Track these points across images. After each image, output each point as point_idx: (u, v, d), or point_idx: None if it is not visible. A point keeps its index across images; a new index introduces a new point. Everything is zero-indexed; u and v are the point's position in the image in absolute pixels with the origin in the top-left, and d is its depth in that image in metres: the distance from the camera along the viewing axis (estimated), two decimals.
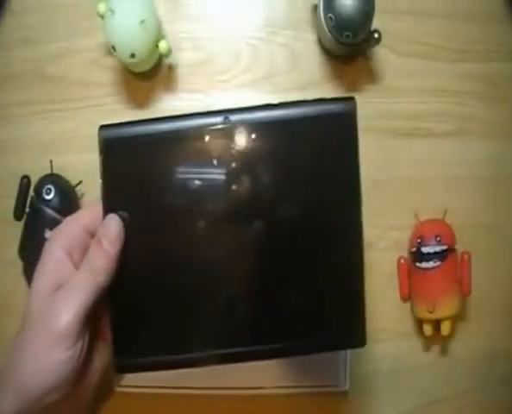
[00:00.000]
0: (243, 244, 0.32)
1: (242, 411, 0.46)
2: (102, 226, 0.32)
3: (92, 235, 0.33)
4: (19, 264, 0.44)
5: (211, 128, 0.31)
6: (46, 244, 0.33)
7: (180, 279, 0.33)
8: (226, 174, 0.32)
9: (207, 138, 0.31)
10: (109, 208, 0.32)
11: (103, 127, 0.32)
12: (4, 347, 0.46)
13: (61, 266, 0.32)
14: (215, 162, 0.32)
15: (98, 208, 0.33)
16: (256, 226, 0.32)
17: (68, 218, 0.34)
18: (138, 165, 0.32)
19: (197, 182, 0.32)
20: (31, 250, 0.44)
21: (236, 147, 0.31)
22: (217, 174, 0.32)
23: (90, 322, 0.32)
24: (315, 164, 0.32)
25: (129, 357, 0.33)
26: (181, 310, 0.33)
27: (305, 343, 0.33)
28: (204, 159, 0.32)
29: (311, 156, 0.32)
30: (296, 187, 0.32)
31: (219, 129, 0.31)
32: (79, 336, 0.31)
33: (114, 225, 0.32)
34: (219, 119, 0.31)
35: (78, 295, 0.31)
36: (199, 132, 0.31)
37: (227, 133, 0.31)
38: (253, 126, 0.31)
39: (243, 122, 0.31)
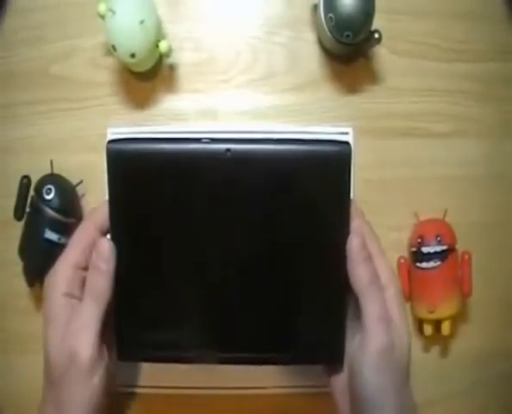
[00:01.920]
0: (235, 263, 0.35)
1: (242, 411, 0.46)
2: (95, 252, 0.35)
3: (84, 267, 0.35)
4: (19, 264, 0.44)
5: (212, 156, 0.34)
6: (45, 294, 0.35)
7: (175, 281, 0.36)
8: (221, 198, 0.34)
9: (207, 164, 0.34)
10: (114, 217, 0.35)
11: (111, 142, 0.34)
12: (5, 346, 0.47)
13: (65, 310, 0.34)
14: (211, 187, 0.34)
15: (81, 243, 0.36)
16: (248, 248, 0.35)
17: (57, 263, 0.36)
18: (140, 179, 0.34)
19: (194, 200, 0.34)
20: (31, 250, 0.44)
21: (235, 176, 0.34)
22: (213, 197, 0.35)
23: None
24: (307, 198, 0.35)
25: (131, 347, 0.36)
26: (176, 310, 0.36)
27: (283, 355, 0.37)
28: (202, 183, 0.34)
29: (304, 190, 0.35)
30: (286, 216, 0.35)
31: (220, 158, 0.33)
32: (101, 357, 0.34)
33: (105, 246, 0.35)
34: (222, 149, 0.33)
35: (89, 327, 0.33)
36: (201, 158, 0.34)
37: (228, 162, 0.34)
38: (253, 159, 0.34)
39: (244, 154, 0.34)
